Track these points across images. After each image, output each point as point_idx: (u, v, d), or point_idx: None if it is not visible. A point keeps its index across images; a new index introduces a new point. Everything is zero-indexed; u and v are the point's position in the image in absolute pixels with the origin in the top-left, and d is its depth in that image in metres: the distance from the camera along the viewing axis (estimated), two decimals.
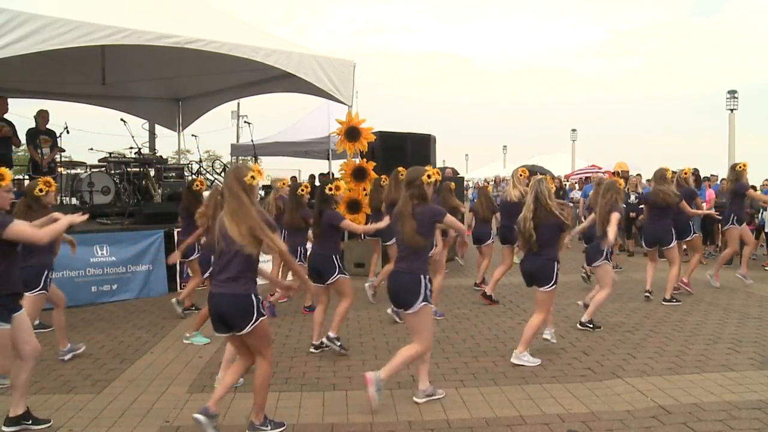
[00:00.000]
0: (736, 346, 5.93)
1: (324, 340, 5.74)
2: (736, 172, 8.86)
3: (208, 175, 14.11)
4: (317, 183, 14.91)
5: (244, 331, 3.71)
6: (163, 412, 4.34)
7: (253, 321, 3.70)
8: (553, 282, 5.35)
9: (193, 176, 13.18)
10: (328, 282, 5.65)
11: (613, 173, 16.03)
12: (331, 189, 5.81)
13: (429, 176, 4.44)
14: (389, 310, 7.07)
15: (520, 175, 7.74)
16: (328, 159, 14.18)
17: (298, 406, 4.40)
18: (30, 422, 4.01)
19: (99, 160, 11.75)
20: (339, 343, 5.70)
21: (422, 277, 4.35)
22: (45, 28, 6.93)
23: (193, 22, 8.84)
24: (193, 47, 8.20)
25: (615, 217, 6.26)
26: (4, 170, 4.06)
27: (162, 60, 10.42)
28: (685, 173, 8.46)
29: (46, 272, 5.07)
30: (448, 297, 8.14)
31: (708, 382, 4.87)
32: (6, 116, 9.23)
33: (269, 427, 3.91)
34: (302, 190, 6.73)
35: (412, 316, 4.40)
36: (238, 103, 29.60)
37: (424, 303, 4.32)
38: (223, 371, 4.50)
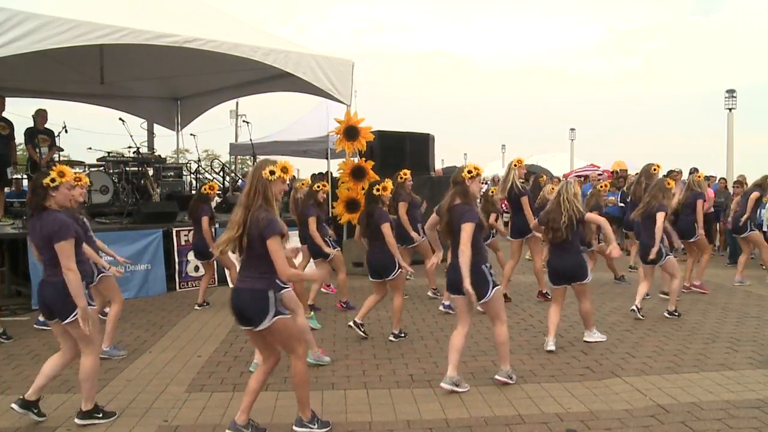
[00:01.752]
0: (734, 345, 5.94)
1: (391, 338, 6.13)
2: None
3: (206, 175, 14.14)
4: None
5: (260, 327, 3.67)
6: (161, 412, 4.33)
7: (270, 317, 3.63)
8: (587, 275, 5.74)
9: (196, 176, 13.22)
10: (388, 278, 5.96)
11: (612, 173, 16.05)
12: (378, 190, 6.02)
13: (470, 172, 4.68)
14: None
15: (515, 165, 7.74)
16: (327, 158, 14.16)
17: (296, 406, 4.38)
18: (36, 411, 4.14)
19: (97, 160, 11.73)
20: (403, 334, 6.19)
21: (483, 267, 4.59)
22: (43, 27, 6.92)
23: (191, 22, 8.83)
24: (191, 46, 8.19)
25: (660, 216, 6.76)
26: (64, 167, 4.14)
27: (160, 59, 10.40)
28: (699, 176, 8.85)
29: None
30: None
31: (707, 381, 4.88)
32: (4, 115, 9.22)
33: (316, 426, 3.92)
34: (318, 187, 7.28)
35: (487, 304, 4.66)
36: (237, 103, 29.54)
37: (495, 288, 4.62)
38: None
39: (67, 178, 4.10)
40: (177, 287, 8.92)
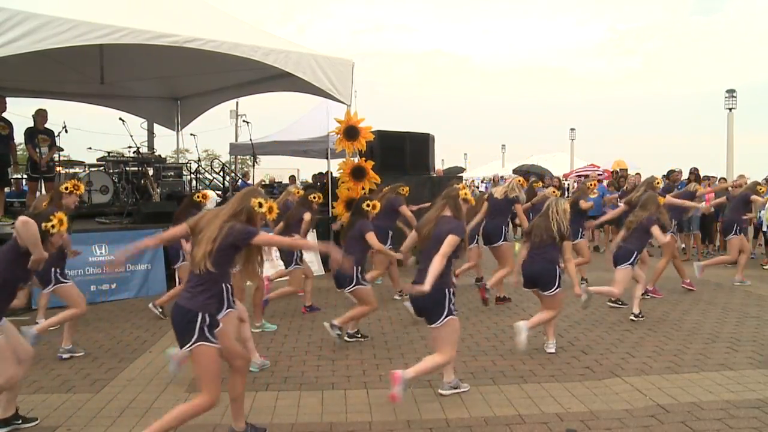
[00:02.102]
0: (734, 345, 5.94)
1: (336, 331, 5.89)
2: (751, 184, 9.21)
3: (206, 175, 14.17)
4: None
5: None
6: (161, 412, 4.31)
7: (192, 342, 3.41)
8: (556, 285, 5.53)
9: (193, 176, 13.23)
10: (345, 290, 5.83)
11: (612, 172, 16.08)
12: (369, 206, 6.04)
13: (465, 194, 4.65)
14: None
15: (519, 183, 8.05)
16: (327, 158, 14.17)
17: (296, 405, 4.41)
18: (20, 422, 4.02)
19: (97, 159, 11.76)
20: (338, 333, 5.87)
21: (446, 290, 4.39)
22: (43, 27, 6.93)
23: (191, 22, 8.84)
24: (191, 46, 8.19)
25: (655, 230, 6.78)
26: (64, 217, 4.16)
27: (160, 59, 10.41)
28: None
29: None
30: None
31: (707, 381, 4.88)
32: (4, 115, 9.22)
33: None
34: (314, 198, 7.20)
35: (437, 330, 4.42)
36: (237, 102, 29.56)
37: (450, 317, 4.37)
38: None
39: (64, 228, 4.12)
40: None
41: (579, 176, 22.07)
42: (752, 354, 5.63)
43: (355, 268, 5.74)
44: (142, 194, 11.09)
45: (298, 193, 7.84)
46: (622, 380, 4.92)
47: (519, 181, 8.19)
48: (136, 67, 11.29)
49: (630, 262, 6.86)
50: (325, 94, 10.13)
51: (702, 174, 13.31)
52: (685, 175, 12.78)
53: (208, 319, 3.43)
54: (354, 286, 5.78)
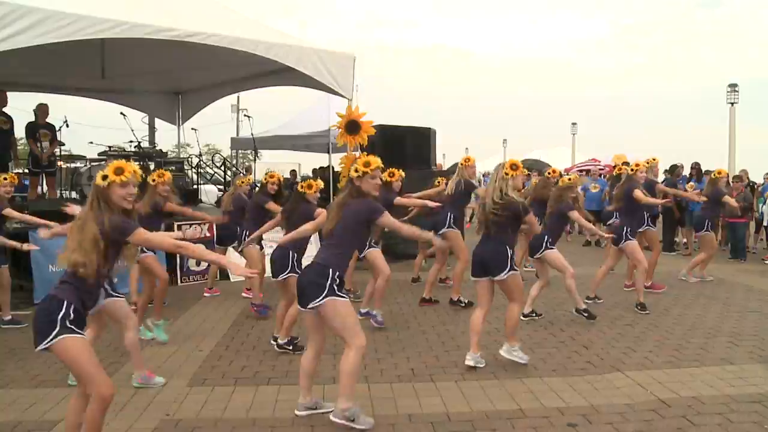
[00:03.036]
0: (735, 339, 5.94)
1: (272, 342, 5.64)
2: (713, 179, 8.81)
3: (207, 169, 14.19)
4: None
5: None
6: (163, 406, 4.34)
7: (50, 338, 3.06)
8: (508, 268, 4.95)
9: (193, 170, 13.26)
10: (278, 278, 5.43)
11: (613, 167, 16.06)
12: (302, 187, 5.51)
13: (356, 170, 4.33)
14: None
15: (463, 164, 7.36)
16: (329, 152, 14.18)
17: (298, 399, 4.41)
18: None
19: (99, 154, 11.75)
20: (291, 346, 5.55)
21: (337, 272, 3.97)
22: (44, 22, 6.91)
23: (193, 16, 8.81)
24: (192, 41, 8.17)
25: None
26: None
27: (162, 53, 10.37)
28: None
29: None
30: (447, 289, 8.13)
31: (708, 375, 4.88)
32: (5, 110, 9.22)
33: None
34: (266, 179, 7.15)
35: (323, 311, 3.98)
36: (238, 97, 29.42)
37: (329, 298, 3.91)
38: None
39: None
40: (179, 281, 8.94)
41: (580, 171, 22.08)
42: (753, 349, 5.63)
43: (291, 253, 5.35)
44: (143, 189, 11.07)
45: (244, 182, 8.01)
46: (623, 375, 4.92)
47: (465, 160, 7.43)
48: (137, 61, 11.25)
49: (543, 250, 6.48)
50: (327, 89, 10.10)
51: (704, 169, 13.28)
52: (686, 171, 12.75)
53: (69, 311, 3.17)
54: (287, 274, 5.34)
